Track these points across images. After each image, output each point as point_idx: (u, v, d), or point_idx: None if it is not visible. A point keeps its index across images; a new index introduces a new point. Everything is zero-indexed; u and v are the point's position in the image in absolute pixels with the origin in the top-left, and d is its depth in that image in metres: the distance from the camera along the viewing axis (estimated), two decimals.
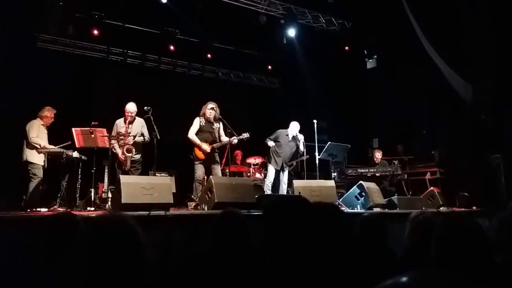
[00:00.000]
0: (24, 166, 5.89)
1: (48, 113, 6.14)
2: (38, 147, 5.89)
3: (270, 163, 7.21)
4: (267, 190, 7.10)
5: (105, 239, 1.25)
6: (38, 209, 5.34)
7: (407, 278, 0.71)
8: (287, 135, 7.11)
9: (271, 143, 7.06)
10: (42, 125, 6.09)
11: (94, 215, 3.96)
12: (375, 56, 10.17)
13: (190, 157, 6.34)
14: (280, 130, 7.19)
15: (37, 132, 5.97)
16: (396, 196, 6.92)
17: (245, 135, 6.39)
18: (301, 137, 7.04)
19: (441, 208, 6.53)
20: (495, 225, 1.75)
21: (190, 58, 10.46)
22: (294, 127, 7.08)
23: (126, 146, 5.90)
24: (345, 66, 10.18)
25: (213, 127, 6.31)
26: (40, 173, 5.91)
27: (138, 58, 10.10)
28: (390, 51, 9.52)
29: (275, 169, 7.12)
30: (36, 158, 5.91)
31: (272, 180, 7.13)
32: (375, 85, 10.24)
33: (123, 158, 5.93)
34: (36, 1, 7.41)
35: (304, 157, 7.47)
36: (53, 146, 6.07)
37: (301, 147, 7.06)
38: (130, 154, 5.91)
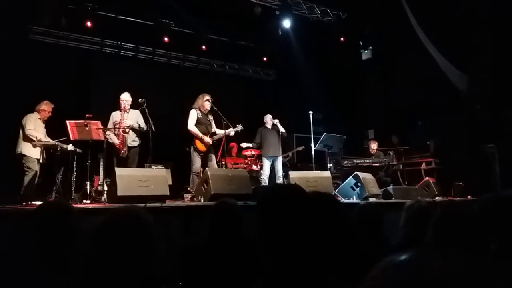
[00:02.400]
0: (18, 159, 5.82)
1: (46, 107, 6.06)
2: (34, 139, 5.83)
3: (263, 155, 7.45)
4: (264, 183, 7.18)
5: (120, 231, 1.25)
6: (34, 202, 5.32)
7: (405, 256, 0.71)
8: (266, 127, 7.47)
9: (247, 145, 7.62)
10: (39, 118, 6.01)
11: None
12: (371, 47, 10.16)
13: (186, 149, 6.33)
14: (259, 129, 7.53)
15: (34, 125, 5.90)
16: (391, 186, 6.96)
17: (239, 127, 6.41)
18: (276, 121, 7.43)
19: (436, 198, 6.58)
20: (479, 209, 1.73)
21: (184, 50, 10.38)
22: (268, 117, 7.53)
23: (122, 128, 5.90)
24: (340, 57, 10.15)
25: (208, 119, 6.31)
26: (34, 166, 5.83)
27: (132, 50, 10.02)
28: (386, 42, 9.52)
29: (267, 158, 7.31)
30: (31, 151, 5.83)
31: (267, 173, 7.30)
32: (370, 76, 10.24)
33: (120, 145, 5.91)
34: None
35: (300, 148, 7.51)
36: (50, 140, 6.02)
37: (281, 129, 7.36)
38: (127, 135, 5.92)
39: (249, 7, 8.93)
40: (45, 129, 6.11)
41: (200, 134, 6.12)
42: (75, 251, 1.73)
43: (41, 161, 5.91)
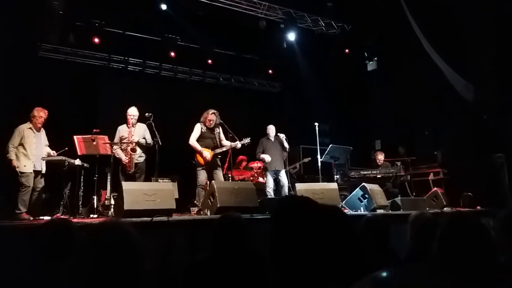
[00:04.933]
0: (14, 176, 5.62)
1: (36, 112, 5.83)
2: (8, 155, 5.56)
3: (266, 169, 7.35)
4: (270, 196, 7.11)
5: (102, 246, 1.24)
6: (41, 217, 5.35)
7: (387, 273, 0.72)
8: (269, 138, 7.40)
9: (263, 156, 7.27)
10: (30, 128, 5.79)
11: (95, 222, 3.97)
12: (376, 58, 10.18)
13: (192, 163, 6.35)
14: (261, 139, 7.43)
15: (20, 138, 5.66)
16: (399, 198, 6.88)
17: (246, 140, 6.41)
18: (282, 135, 7.34)
19: (445, 209, 6.50)
20: (497, 224, 1.73)
21: (191, 64, 10.51)
22: (272, 129, 7.44)
23: (130, 146, 5.92)
24: (345, 68, 10.18)
25: (214, 132, 6.33)
26: (28, 181, 5.61)
27: (139, 65, 10.15)
28: (390, 52, 9.52)
29: (270, 173, 7.23)
30: (23, 167, 5.60)
31: (272, 185, 7.22)
32: (376, 87, 10.23)
33: (127, 161, 5.93)
34: (37, 11, 7.45)
35: (307, 159, 7.48)
36: (49, 150, 5.93)
37: (285, 144, 7.30)
38: (134, 153, 5.93)
39: (254, 21, 9.03)
40: (45, 138, 5.99)
41: (199, 148, 6.15)
42: (69, 267, 1.75)
43: (43, 171, 5.79)
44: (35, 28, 7.72)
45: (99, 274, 1.19)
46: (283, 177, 7.25)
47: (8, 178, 5.59)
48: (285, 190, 7.15)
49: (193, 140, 6.21)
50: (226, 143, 6.34)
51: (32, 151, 5.72)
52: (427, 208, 6.43)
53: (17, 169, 5.58)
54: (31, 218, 5.34)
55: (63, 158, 5.86)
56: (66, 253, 1.73)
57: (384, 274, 0.71)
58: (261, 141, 7.42)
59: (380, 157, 8.34)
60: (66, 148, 6.01)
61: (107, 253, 1.22)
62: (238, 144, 6.33)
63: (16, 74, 6.73)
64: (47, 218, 5.29)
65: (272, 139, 7.37)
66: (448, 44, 7.69)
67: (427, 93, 8.74)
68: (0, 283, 2.62)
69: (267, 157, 7.21)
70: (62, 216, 5.31)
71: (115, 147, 6.00)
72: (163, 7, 8.35)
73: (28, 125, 5.82)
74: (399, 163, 8.10)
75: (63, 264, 1.70)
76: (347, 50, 10.16)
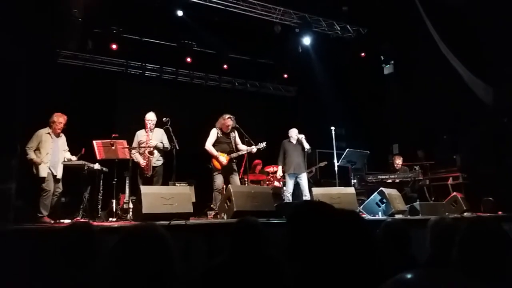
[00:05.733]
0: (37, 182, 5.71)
1: (56, 118, 5.92)
2: (27, 156, 5.64)
3: (286, 171, 7.28)
4: (287, 200, 7.08)
5: (138, 250, 1.23)
6: (61, 221, 5.45)
7: (412, 275, 0.71)
8: (290, 141, 7.32)
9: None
10: (48, 133, 5.88)
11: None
12: (392, 62, 10.09)
13: (208, 167, 6.39)
14: (283, 141, 7.38)
15: (37, 142, 5.76)
16: (418, 202, 6.80)
17: (262, 145, 6.41)
18: (301, 136, 7.25)
19: (465, 214, 6.39)
20: None
21: (206, 70, 10.59)
22: (294, 132, 7.35)
23: (148, 149, 5.99)
24: (361, 72, 10.11)
25: (230, 137, 6.36)
26: (48, 186, 5.69)
27: (156, 71, 10.28)
28: (407, 56, 9.43)
29: (290, 176, 7.15)
30: (40, 172, 5.68)
31: (291, 190, 7.13)
32: (393, 90, 10.12)
33: (144, 164, 6.01)
34: (56, 18, 7.61)
35: (323, 163, 7.44)
36: (68, 155, 5.99)
37: (305, 145, 7.20)
38: (152, 156, 6.01)
39: (269, 26, 9.05)
40: (64, 143, 6.05)
41: (215, 153, 6.18)
42: (96, 271, 1.76)
43: (58, 176, 5.82)
44: (55, 35, 7.89)
45: (132, 278, 1.18)
46: (304, 181, 7.13)
47: (29, 183, 5.70)
48: (305, 194, 7.05)
49: (209, 145, 6.26)
50: (242, 147, 6.36)
51: (48, 156, 5.77)
52: (447, 213, 6.33)
53: (37, 168, 5.64)
54: (52, 222, 5.44)
55: (83, 163, 5.94)
56: (89, 255, 1.76)
57: (409, 275, 0.71)
58: (283, 144, 7.34)
59: (398, 161, 8.24)
60: (83, 150, 6.03)
61: (143, 257, 1.21)
62: (254, 149, 6.34)
63: (36, 80, 6.87)
64: (67, 221, 5.39)
65: (294, 142, 7.29)
66: (466, 47, 7.57)
67: (445, 96, 8.61)
68: (24, 285, 2.68)
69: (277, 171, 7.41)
70: (82, 220, 5.41)
71: (133, 151, 6.09)
72: (179, 13, 8.45)
73: (47, 130, 5.90)
74: (417, 168, 7.98)
75: (87, 266, 1.73)
76: (363, 54, 10.09)
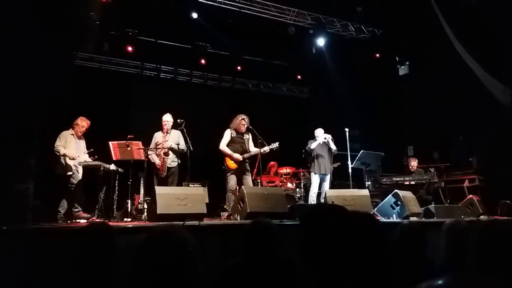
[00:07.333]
0: (61, 180, 5.93)
1: (80, 121, 6.18)
2: (57, 154, 5.91)
3: (313, 171, 7.19)
4: (312, 201, 7.04)
5: (161, 253, 1.24)
6: (78, 221, 5.54)
7: (443, 280, 0.72)
8: (316, 141, 7.20)
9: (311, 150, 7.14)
10: (72, 134, 6.12)
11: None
12: (407, 63, 9.99)
13: (222, 168, 6.42)
14: (310, 141, 7.26)
15: (64, 142, 6.01)
16: (433, 205, 6.72)
17: (274, 145, 6.41)
18: (328, 136, 7.14)
19: (481, 217, 6.29)
20: None
21: (220, 71, 10.65)
22: (320, 131, 7.24)
23: (163, 150, 6.10)
24: (376, 73, 10.03)
25: (243, 138, 6.39)
26: (75, 178, 5.92)
27: (171, 73, 10.37)
28: (423, 57, 9.33)
29: (318, 176, 7.09)
30: (68, 168, 5.91)
31: (316, 190, 7.09)
32: (408, 91, 10.02)
33: (160, 164, 6.09)
34: (74, 21, 7.73)
35: (336, 165, 7.39)
36: (87, 158, 6.16)
37: (332, 146, 7.12)
38: (167, 157, 6.12)
39: (283, 27, 9.06)
40: (84, 146, 6.24)
41: (229, 152, 6.22)
42: (116, 272, 1.78)
43: (77, 175, 5.99)
44: (73, 38, 8.01)
45: (155, 280, 1.19)
46: (327, 182, 7.14)
47: (47, 184, 5.81)
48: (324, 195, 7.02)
49: (223, 145, 6.31)
50: (254, 149, 6.39)
51: (73, 155, 5.98)
52: (462, 216, 6.25)
53: (66, 164, 5.83)
54: (68, 221, 5.54)
55: (99, 163, 6.04)
56: (108, 255, 1.79)
57: (440, 282, 0.71)
58: (311, 142, 7.25)
59: (413, 163, 8.15)
60: (92, 150, 6.18)
61: (168, 260, 1.22)
62: (267, 149, 6.35)
63: (53, 82, 6.99)
64: (83, 221, 5.48)
65: (321, 142, 7.20)
66: (482, 47, 7.46)
67: (461, 97, 8.49)
68: (41, 284, 2.74)
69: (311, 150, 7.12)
70: (98, 220, 5.49)
71: (150, 152, 6.20)
72: (194, 15, 8.52)
73: (70, 131, 6.16)
74: (432, 170, 7.89)
75: (106, 266, 1.76)
76: (377, 55, 10.02)
